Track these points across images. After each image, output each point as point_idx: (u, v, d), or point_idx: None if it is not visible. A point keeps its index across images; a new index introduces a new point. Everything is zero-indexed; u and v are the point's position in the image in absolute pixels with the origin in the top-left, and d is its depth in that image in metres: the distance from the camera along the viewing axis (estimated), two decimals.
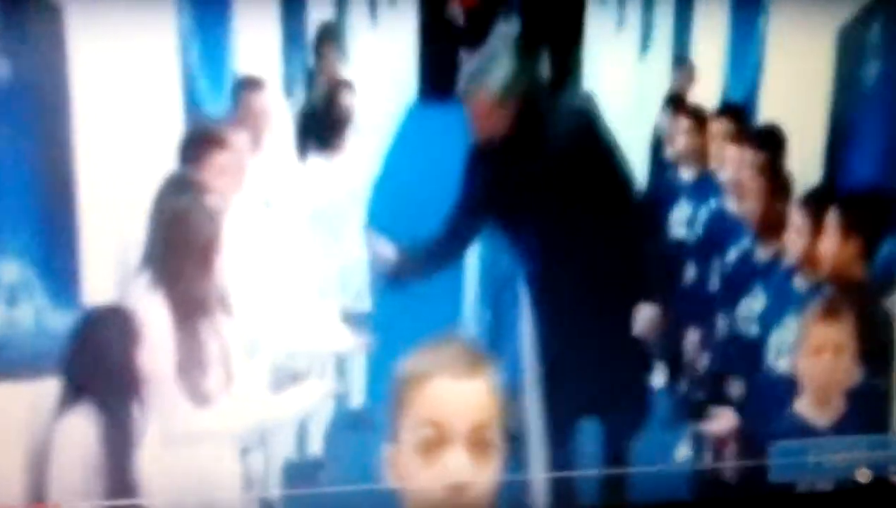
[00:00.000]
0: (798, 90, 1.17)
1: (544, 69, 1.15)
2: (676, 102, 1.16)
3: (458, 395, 1.01)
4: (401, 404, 1.03)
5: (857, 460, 1.29)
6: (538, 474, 1.22)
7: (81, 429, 1.09)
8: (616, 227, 1.20)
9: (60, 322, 1.06)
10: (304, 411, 1.19)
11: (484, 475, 1.01)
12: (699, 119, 1.18)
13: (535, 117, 1.16)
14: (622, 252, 1.21)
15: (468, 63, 1.12)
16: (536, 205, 1.18)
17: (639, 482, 1.25)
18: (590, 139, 1.17)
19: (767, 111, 1.18)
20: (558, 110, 1.17)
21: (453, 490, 0.99)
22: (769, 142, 1.19)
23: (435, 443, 1.00)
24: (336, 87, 1.10)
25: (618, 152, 1.18)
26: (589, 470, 1.24)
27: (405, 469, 1.02)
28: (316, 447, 1.20)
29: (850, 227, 1.22)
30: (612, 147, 1.17)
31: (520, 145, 1.17)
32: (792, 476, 1.28)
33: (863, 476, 1.29)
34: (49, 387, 1.07)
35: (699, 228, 1.25)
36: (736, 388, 1.27)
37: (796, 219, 1.22)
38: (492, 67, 1.13)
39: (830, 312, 1.25)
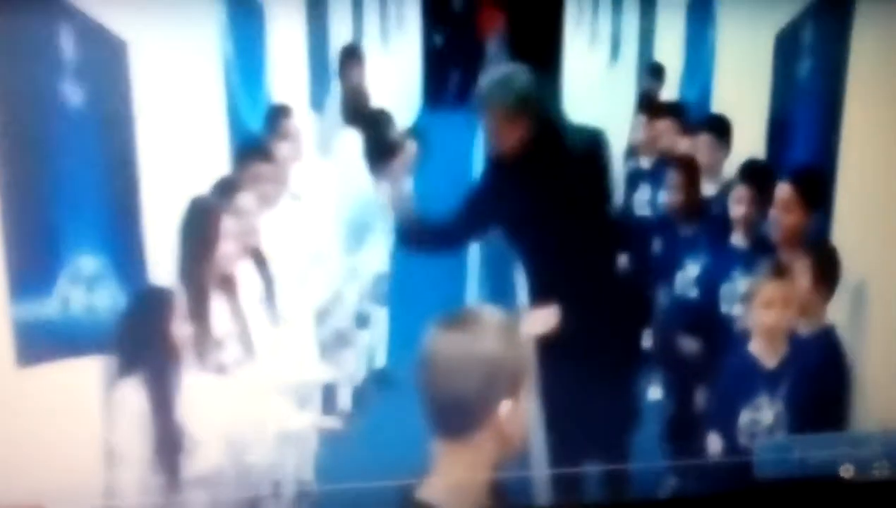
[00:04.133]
0: (744, 86, 1.36)
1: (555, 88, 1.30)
2: (642, 102, 1.34)
3: None
4: None
5: (840, 456, 1.38)
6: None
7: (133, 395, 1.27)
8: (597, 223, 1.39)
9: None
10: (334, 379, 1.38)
11: None
12: (658, 114, 1.36)
13: (547, 138, 1.30)
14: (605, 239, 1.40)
15: (485, 76, 1.26)
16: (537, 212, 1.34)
17: (627, 478, 1.39)
18: (593, 167, 1.34)
19: (717, 105, 1.37)
20: (570, 136, 1.32)
21: None
22: (718, 129, 1.38)
23: None
24: (358, 100, 1.28)
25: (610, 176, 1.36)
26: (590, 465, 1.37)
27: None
28: (345, 403, 1.40)
29: (791, 199, 1.42)
30: (608, 173, 1.35)
31: (532, 162, 1.30)
32: (777, 472, 1.37)
33: (846, 472, 1.37)
34: None
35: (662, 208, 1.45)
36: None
37: (745, 194, 1.42)
38: (508, 81, 1.26)
39: (777, 271, 1.44)
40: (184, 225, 1.24)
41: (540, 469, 1.38)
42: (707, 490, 1.41)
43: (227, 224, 1.27)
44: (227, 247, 1.28)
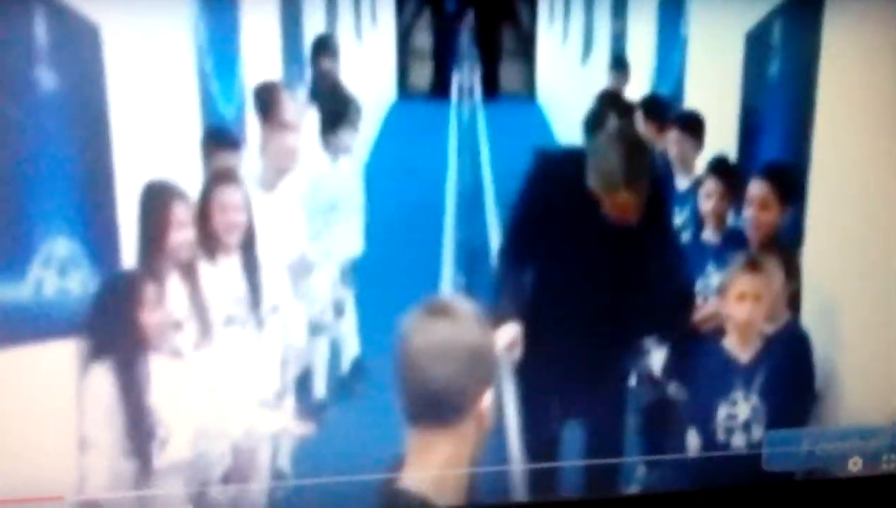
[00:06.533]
0: (715, 84, 1.38)
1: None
2: (611, 97, 1.36)
3: None
4: None
5: (850, 449, 1.39)
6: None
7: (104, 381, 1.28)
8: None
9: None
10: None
11: None
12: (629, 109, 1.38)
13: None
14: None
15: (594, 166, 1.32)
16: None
17: (632, 471, 1.40)
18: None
19: (690, 101, 1.39)
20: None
21: None
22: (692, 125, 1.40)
23: None
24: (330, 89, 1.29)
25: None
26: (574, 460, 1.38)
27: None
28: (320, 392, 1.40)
29: (760, 196, 1.44)
30: None
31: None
32: (786, 465, 1.38)
33: (855, 465, 1.39)
34: None
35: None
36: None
37: (715, 188, 1.44)
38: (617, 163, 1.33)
39: (751, 265, 1.46)
40: (139, 209, 1.25)
41: (519, 464, 1.38)
42: (713, 483, 1.40)
43: (179, 211, 1.27)
44: (180, 235, 1.28)
